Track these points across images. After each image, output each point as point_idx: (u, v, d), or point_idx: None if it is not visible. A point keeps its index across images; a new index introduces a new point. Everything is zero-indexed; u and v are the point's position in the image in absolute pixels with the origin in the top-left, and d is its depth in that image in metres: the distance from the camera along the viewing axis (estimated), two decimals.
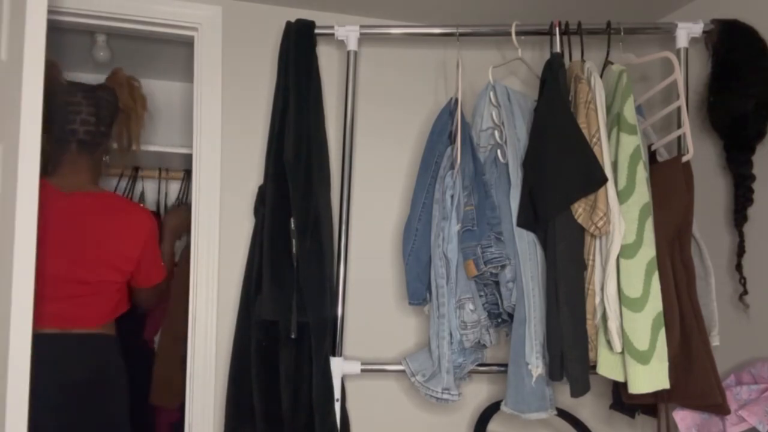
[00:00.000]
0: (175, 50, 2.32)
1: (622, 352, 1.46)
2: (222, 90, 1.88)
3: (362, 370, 1.75)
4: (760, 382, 1.53)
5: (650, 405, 1.67)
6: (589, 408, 2.00)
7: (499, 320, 1.70)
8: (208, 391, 1.81)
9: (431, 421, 1.96)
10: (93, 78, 2.70)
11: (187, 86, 2.69)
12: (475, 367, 1.70)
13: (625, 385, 1.48)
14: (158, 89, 2.75)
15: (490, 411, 1.85)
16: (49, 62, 1.73)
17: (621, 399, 1.69)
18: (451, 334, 1.60)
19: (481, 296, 1.67)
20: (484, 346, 1.69)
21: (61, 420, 1.59)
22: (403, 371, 1.72)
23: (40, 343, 1.58)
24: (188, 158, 2.17)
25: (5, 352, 1.21)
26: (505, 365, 1.66)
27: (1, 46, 1.34)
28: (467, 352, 1.66)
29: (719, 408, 1.48)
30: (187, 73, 2.30)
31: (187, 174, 2.61)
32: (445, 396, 1.61)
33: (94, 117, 1.74)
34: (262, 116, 1.88)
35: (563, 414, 1.75)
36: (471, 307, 1.60)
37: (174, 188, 2.72)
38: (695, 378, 1.49)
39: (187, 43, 1.95)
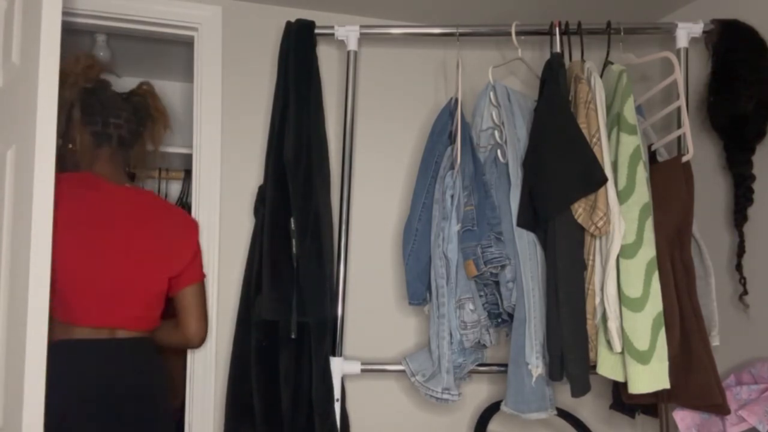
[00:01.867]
0: (175, 50, 2.32)
1: (622, 352, 1.46)
2: (222, 90, 1.88)
3: (362, 370, 1.75)
4: (760, 382, 1.53)
5: (650, 405, 1.67)
6: (589, 408, 2.00)
7: (499, 320, 1.70)
8: (208, 391, 1.81)
9: (431, 421, 1.96)
10: None
11: (187, 86, 2.69)
12: (475, 367, 1.70)
13: (625, 385, 1.48)
14: (158, 89, 2.74)
15: (490, 411, 1.85)
16: (89, 60, 1.68)
17: (621, 399, 1.69)
18: (451, 334, 1.60)
19: (481, 296, 1.67)
20: (484, 346, 1.69)
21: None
22: (403, 371, 1.72)
23: (82, 347, 1.51)
24: (188, 158, 2.17)
25: (22, 351, 1.22)
26: (506, 365, 1.66)
27: (14, 49, 1.36)
28: (467, 352, 1.66)
29: (719, 408, 1.48)
30: (187, 73, 2.31)
31: (187, 174, 2.61)
32: (445, 396, 1.61)
33: (134, 117, 1.75)
34: (262, 116, 1.88)
35: (563, 414, 1.75)
36: (471, 307, 1.60)
37: (174, 188, 2.72)
38: (695, 378, 1.49)
39: (187, 43, 1.95)
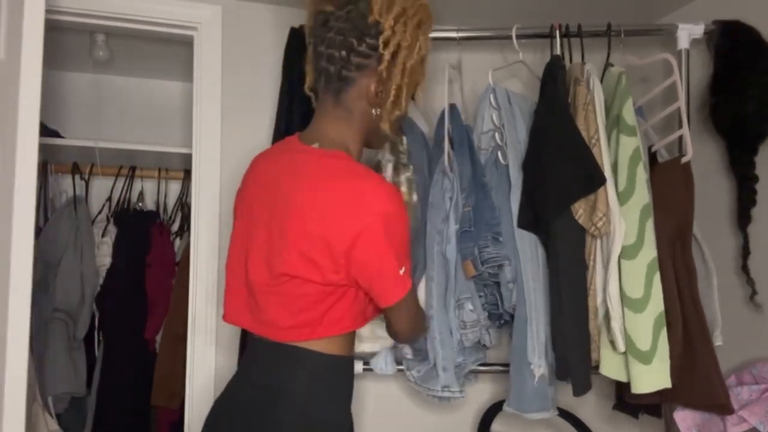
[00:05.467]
0: (175, 50, 2.31)
1: (625, 353, 1.47)
2: (222, 90, 1.87)
3: (363, 370, 1.75)
4: (761, 383, 1.53)
5: (654, 405, 1.67)
6: (592, 408, 2.00)
7: (501, 321, 1.70)
8: (208, 391, 1.80)
9: (434, 421, 1.96)
10: (92, 78, 2.70)
11: (187, 86, 2.68)
12: (477, 367, 1.70)
13: (628, 385, 1.48)
14: (158, 89, 2.74)
15: (493, 411, 1.85)
16: None
17: (624, 399, 1.69)
18: (450, 333, 1.60)
19: (480, 297, 1.67)
20: (485, 346, 1.69)
21: None
22: (403, 371, 1.72)
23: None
24: (188, 158, 2.16)
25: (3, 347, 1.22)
26: (508, 365, 1.65)
27: (1, 45, 1.33)
28: (467, 351, 1.66)
29: (723, 408, 1.49)
30: (187, 73, 2.30)
31: (187, 174, 2.61)
32: (446, 394, 1.60)
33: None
34: (261, 116, 1.88)
35: (566, 414, 1.75)
36: (470, 307, 1.60)
37: (174, 188, 2.72)
38: (698, 378, 1.49)
39: (187, 43, 1.95)
